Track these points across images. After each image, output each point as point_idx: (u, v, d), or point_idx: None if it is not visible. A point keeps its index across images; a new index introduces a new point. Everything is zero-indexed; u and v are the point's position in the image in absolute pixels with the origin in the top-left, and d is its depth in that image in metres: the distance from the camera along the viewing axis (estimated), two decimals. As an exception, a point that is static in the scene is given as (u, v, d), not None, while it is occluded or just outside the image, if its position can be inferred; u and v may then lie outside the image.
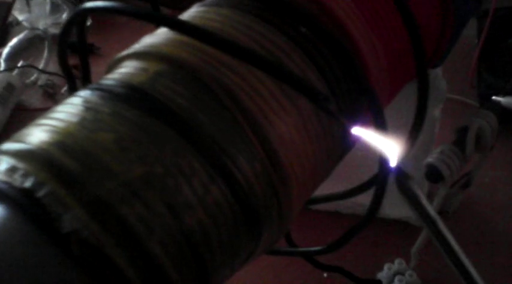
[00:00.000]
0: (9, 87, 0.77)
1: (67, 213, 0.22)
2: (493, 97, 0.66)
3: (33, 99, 0.83)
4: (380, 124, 0.30)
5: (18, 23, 0.99)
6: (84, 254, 0.22)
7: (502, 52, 0.80)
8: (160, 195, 0.24)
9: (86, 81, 0.37)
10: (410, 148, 0.38)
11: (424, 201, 0.36)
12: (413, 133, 0.37)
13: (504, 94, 0.65)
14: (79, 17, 0.32)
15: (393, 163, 0.31)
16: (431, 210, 0.36)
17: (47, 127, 0.25)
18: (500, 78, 0.73)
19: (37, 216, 0.22)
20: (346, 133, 0.31)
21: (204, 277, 0.26)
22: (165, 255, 0.23)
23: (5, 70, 0.81)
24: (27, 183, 0.23)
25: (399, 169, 0.34)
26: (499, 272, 0.56)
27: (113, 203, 0.22)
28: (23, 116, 0.79)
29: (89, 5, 0.29)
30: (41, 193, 0.22)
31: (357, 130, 0.29)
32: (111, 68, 0.31)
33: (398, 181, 0.36)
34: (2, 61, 0.84)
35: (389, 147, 0.30)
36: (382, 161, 0.32)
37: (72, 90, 0.36)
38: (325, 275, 0.56)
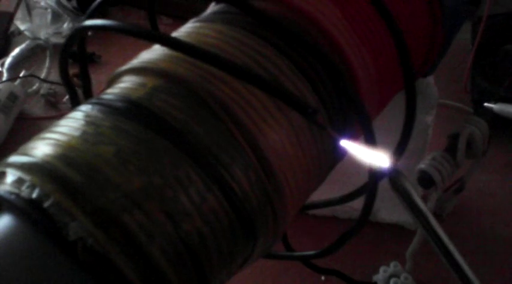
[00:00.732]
0: (12, 96, 0.78)
1: (73, 222, 0.23)
2: (485, 104, 0.67)
3: (36, 108, 0.85)
4: (369, 137, 0.31)
5: (19, 32, 1.00)
6: (90, 261, 0.23)
7: (496, 58, 0.81)
8: (160, 204, 0.25)
9: (87, 93, 0.38)
10: (400, 157, 0.40)
11: (416, 197, 0.37)
12: (402, 141, 0.39)
13: (496, 101, 0.67)
14: (79, 33, 0.33)
15: (386, 164, 0.33)
16: (423, 206, 0.37)
17: (51, 141, 0.27)
18: (494, 84, 0.75)
19: (44, 225, 0.24)
20: (337, 144, 0.32)
21: (203, 281, 0.27)
22: (166, 260, 0.25)
23: (8, 80, 0.82)
24: (34, 194, 0.24)
25: (392, 168, 0.35)
26: (493, 275, 0.58)
27: (115, 212, 0.24)
28: (25, 125, 0.80)
29: (88, 23, 0.31)
30: (47, 204, 0.24)
31: (346, 143, 0.30)
32: (110, 83, 0.32)
33: (391, 179, 0.37)
34: (4, 71, 0.85)
35: (378, 157, 0.32)
36: (371, 171, 0.33)
37: (74, 101, 0.38)
38: (322, 278, 0.57)
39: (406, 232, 0.61)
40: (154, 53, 0.32)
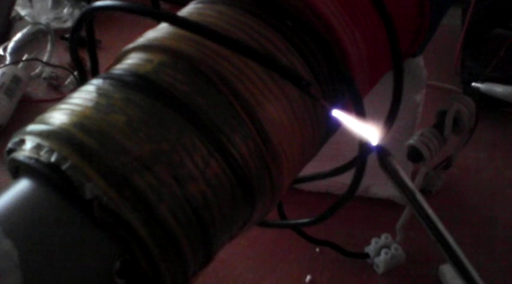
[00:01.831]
0: (16, 79, 0.80)
1: (88, 183, 0.26)
2: (473, 84, 0.70)
3: (38, 91, 0.86)
4: (358, 109, 0.34)
5: (21, 18, 1.01)
6: (104, 217, 0.26)
7: (486, 41, 0.84)
8: (167, 167, 0.28)
9: (94, 72, 0.41)
10: (388, 130, 0.42)
11: (403, 174, 0.40)
12: (390, 115, 0.41)
13: (483, 81, 0.69)
14: (88, 15, 0.35)
15: (374, 142, 0.35)
16: (409, 183, 0.40)
17: (66, 111, 0.29)
18: (483, 66, 0.77)
19: (62, 186, 0.26)
20: (329, 116, 0.35)
21: (206, 240, 0.30)
22: (173, 218, 0.27)
23: (11, 63, 0.84)
24: (53, 158, 0.27)
25: (380, 147, 0.38)
26: (481, 249, 0.60)
27: (127, 174, 0.26)
28: (28, 107, 0.82)
29: (98, 4, 0.33)
30: (65, 167, 0.26)
31: (337, 113, 0.33)
32: (119, 59, 0.35)
33: (379, 158, 0.40)
34: (7, 55, 0.87)
35: (368, 130, 0.34)
36: (361, 143, 0.36)
37: (83, 80, 0.40)
38: (317, 250, 0.60)
39: (396, 207, 0.64)
40: (159, 31, 0.34)
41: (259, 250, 0.60)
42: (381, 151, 0.39)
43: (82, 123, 0.28)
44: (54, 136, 0.27)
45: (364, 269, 0.58)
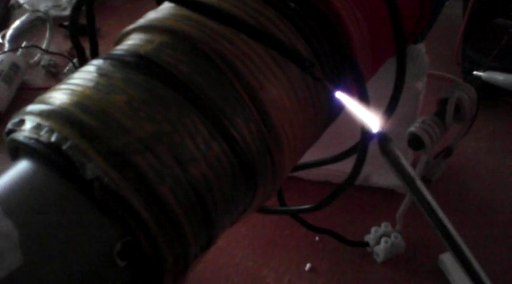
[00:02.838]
0: (14, 66, 0.80)
1: (89, 163, 0.25)
2: (474, 72, 0.69)
3: (37, 79, 0.86)
4: (361, 90, 0.34)
5: (19, 5, 1.01)
6: (105, 198, 0.26)
7: (487, 30, 0.83)
8: (169, 148, 0.27)
9: (94, 54, 0.40)
10: (390, 116, 0.42)
11: (404, 161, 0.39)
12: (392, 102, 0.41)
13: (484, 70, 0.69)
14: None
15: (375, 128, 0.35)
16: (410, 170, 0.40)
17: (67, 91, 0.29)
18: (484, 56, 0.77)
19: (63, 166, 0.26)
20: (332, 98, 0.34)
21: (208, 222, 0.29)
22: (174, 199, 0.27)
23: (10, 50, 0.84)
24: (53, 138, 0.26)
25: (381, 133, 0.37)
26: (480, 238, 0.60)
27: (128, 154, 0.26)
28: (27, 95, 0.82)
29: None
30: (65, 146, 0.26)
31: (340, 95, 0.32)
32: (119, 40, 0.34)
33: (380, 144, 0.39)
34: (6, 42, 0.87)
35: (370, 115, 0.34)
36: (364, 128, 0.35)
37: (82, 61, 0.39)
38: (317, 238, 0.60)
39: (396, 195, 0.64)
40: (160, 12, 0.34)
41: (259, 238, 0.60)
42: (382, 136, 0.39)
43: (82, 102, 0.28)
44: (54, 115, 0.27)
45: (364, 257, 0.58)
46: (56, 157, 0.26)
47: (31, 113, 0.28)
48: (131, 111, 0.27)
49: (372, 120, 0.34)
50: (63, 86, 0.30)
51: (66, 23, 0.95)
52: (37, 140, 0.27)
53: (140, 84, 0.29)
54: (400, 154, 0.40)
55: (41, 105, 0.28)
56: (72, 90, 0.29)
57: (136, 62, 0.30)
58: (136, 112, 0.27)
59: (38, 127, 0.27)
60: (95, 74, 0.30)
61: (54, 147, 0.26)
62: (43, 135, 0.27)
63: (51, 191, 0.26)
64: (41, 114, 0.28)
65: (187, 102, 0.29)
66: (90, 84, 0.29)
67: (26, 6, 1.00)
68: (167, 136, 0.28)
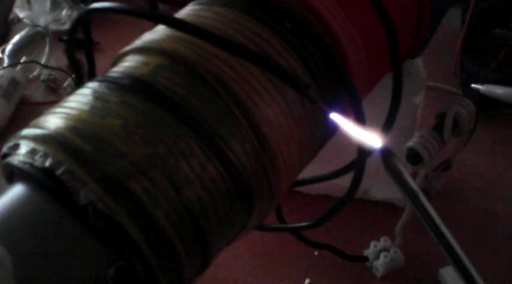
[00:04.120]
0: (14, 82, 0.80)
1: (83, 188, 0.25)
2: (472, 85, 0.69)
3: (37, 94, 0.86)
4: (357, 112, 0.34)
5: (19, 20, 1.01)
6: (99, 224, 0.25)
7: (485, 42, 0.84)
8: (163, 172, 0.27)
9: (91, 74, 0.40)
10: (387, 133, 0.42)
11: (407, 175, 0.39)
12: (389, 118, 0.41)
13: (483, 83, 0.69)
14: (85, 17, 0.35)
15: (377, 143, 0.35)
16: (413, 184, 0.40)
17: (62, 115, 0.29)
18: (482, 68, 0.77)
19: (57, 191, 0.26)
20: (328, 119, 0.34)
21: (203, 245, 0.29)
22: (169, 223, 0.27)
23: (9, 65, 0.84)
24: (47, 163, 0.26)
25: (384, 148, 0.37)
26: (480, 250, 0.60)
27: (122, 179, 0.26)
28: (26, 110, 0.82)
29: (95, 5, 0.33)
30: (59, 171, 0.26)
31: (335, 116, 0.32)
32: (115, 62, 0.34)
33: (384, 159, 0.39)
34: (5, 57, 0.87)
35: (368, 133, 0.34)
36: (360, 146, 0.35)
37: (79, 83, 0.39)
38: (316, 253, 0.59)
39: (396, 209, 0.63)
40: (156, 34, 0.34)
41: (258, 253, 0.60)
42: (385, 151, 0.39)
43: (77, 127, 0.28)
44: (49, 140, 0.27)
45: (363, 272, 0.58)
46: (50, 182, 0.26)
47: (26, 137, 0.28)
48: (126, 135, 0.27)
49: (369, 138, 0.34)
50: (58, 109, 0.30)
51: (65, 37, 0.95)
52: (31, 165, 0.27)
53: (136, 107, 0.29)
54: (404, 169, 0.40)
55: (36, 129, 0.28)
56: (67, 113, 0.29)
57: (132, 84, 0.30)
58: (131, 136, 0.27)
59: (32, 152, 0.27)
60: (90, 97, 0.30)
61: (48, 172, 0.26)
62: (37, 159, 0.27)
63: (45, 216, 0.26)
64: (35, 138, 0.28)
65: (182, 124, 0.29)
66: (86, 107, 0.29)
67: (25, 20, 1.00)
68: (162, 159, 0.28)
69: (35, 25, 0.95)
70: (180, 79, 0.31)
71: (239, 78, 0.31)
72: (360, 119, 0.34)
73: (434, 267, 0.57)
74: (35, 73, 0.88)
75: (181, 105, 0.30)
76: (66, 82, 0.86)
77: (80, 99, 0.30)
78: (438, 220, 0.41)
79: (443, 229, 0.41)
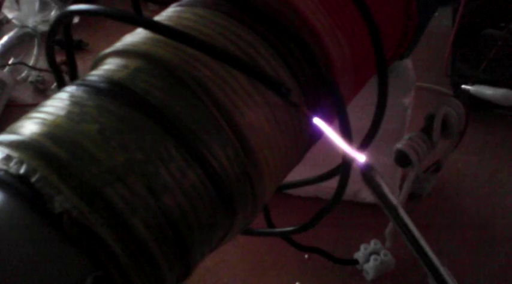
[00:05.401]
0: (1, 83, 0.79)
1: (58, 195, 0.25)
2: (462, 86, 0.69)
3: (25, 95, 0.85)
4: (342, 117, 0.33)
5: (8, 21, 1.00)
6: (74, 232, 0.25)
7: (476, 42, 0.83)
8: (141, 178, 0.27)
9: (73, 77, 0.40)
10: (370, 142, 0.41)
11: (386, 190, 0.39)
12: (375, 123, 0.40)
13: (473, 83, 0.68)
14: (65, 18, 0.34)
15: (359, 159, 0.34)
16: (392, 199, 0.39)
17: (38, 120, 0.28)
18: (473, 68, 0.76)
19: (31, 199, 0.25)
20: (312, 124, 0.34)
21: (184, 252, 0.29)
22: (147, 231, 0.26)
23: (-4, 67, 0.83)
24: (22, 170, 0.25)
25: (364, 162, 0.37)
26: (469, 252, 0.59)
27: (98, 186, 0.25)
28: (14, 112, 0.81)
29: (73, 7, 0.32)
30: (34, 179, 0.25)
31: (318, 121, 0.32)
32: (95, 65, 0.34)
33: (363, 173, 0.39)
34: (-7, 58, 0.86)
35: (349, 145, 0.33)
36: (344, 152, 0.35)
37: (61, 85, 0.39)
38: (306, 256, 0.59)
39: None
40: (136, 36, 0.33)
41: (247, 257, 0.59)
42: (364, 165, 0.38)
43: (53, 133, 0.27)
44: (23, 147, 0.26)
45: (354, 275, 0.57)
46: (25, 190, 0.25)
47: (1, 143, 0.27)
48: (103, 140, 0.27)
49: (350, 151, 0.34)
50: (34, 114, 0.29)
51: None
52: (6, 172, 0.26)
53: (113, 111, 0.28)
54: (383, 183, 0.39)
55: (11, 136, 0.28)
56: (43, 118, 0.28)
57: (110, 88, 0.30)
58: (108, 142, 0.27)
59: (7, 159, 0.26)
60: (67, 102, 0.29)
61: (23, 179, 0.25)
62: (12, 166, 0.26)
63: (20, 224, 0.25)
64: (10, 144, 0.27)
65: (161, 129, 0.28)
66: (62, 112, 0.28)
67: (14, 21, 0.99)
68: (140, 165, 0.27)
69: (23, 26, 0.94)
70: (160, 82, 0.30)
71: (220, 81, 0.31)
72: (345, 124, 0.33)
73: (424, 269, 0.56)
74: (23, 74, 0.87)
75: (160, 109, 0.29)
76: (55, 84, 0.86)
77: (57, 103, 0.29)
78: (417, 234, 0.41)
79: (422, 242, 0.41)
